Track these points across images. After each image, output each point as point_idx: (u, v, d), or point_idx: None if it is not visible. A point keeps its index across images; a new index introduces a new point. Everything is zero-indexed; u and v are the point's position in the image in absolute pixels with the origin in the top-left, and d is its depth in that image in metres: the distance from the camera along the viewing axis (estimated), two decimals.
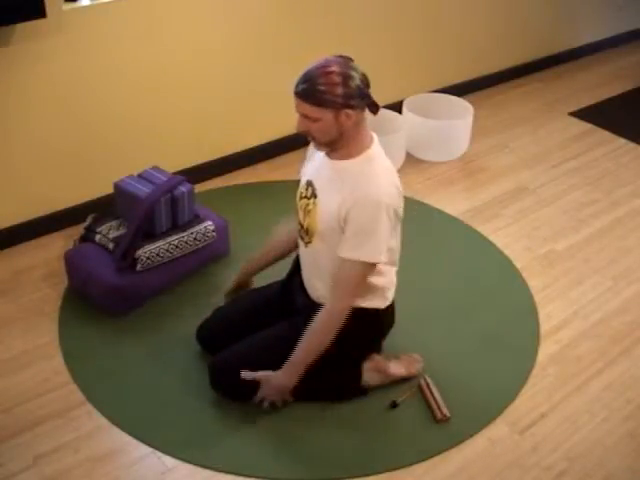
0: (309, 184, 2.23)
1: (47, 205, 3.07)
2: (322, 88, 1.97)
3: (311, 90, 1.98)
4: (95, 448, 2.19)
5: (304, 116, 2.03)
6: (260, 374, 2.25)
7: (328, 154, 2.17)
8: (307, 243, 2.27)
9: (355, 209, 2.06)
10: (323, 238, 2.19)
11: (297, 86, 2.01)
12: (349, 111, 2.01)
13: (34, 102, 2.84)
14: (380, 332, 2.39)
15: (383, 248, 2.11)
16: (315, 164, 2.27)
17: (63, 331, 2.60)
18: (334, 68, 1.98)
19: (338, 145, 2.10)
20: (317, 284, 2.30)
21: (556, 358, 2.58)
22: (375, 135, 2.18)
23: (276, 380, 2.25)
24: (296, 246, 2.40)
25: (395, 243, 2.23)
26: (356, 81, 1.99)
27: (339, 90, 1.98)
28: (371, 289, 2.25)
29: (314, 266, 2.29)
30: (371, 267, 2.14)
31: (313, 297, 2.34)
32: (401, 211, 2.17)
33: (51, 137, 2.94)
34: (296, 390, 2.29)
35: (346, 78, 1.98)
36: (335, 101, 1.98)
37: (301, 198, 2.27)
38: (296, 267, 2.45)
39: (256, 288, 2.58)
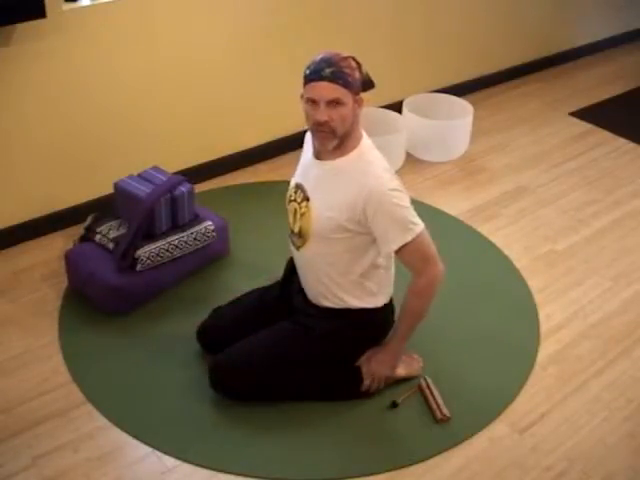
0: (298, 187, 2.23)
1: (47, 205, 3.07)
2: (347, 71, 2.03)
3: (339, 72, 2.01)
4: (95, 448, 2.19)
5: (330, 102, 2.02)
6: (361, 359, 2.34)
7: (322, 155, 2.16)
8: (299, 247, 2.26)
9: (373, 208, 2.07)
10: (319, 240, 2.18)
11: (321, 71, 2.01)
12: (360, 97, 2.07)
13: (34, 102, 2.84)
14: (379, 332, 2.39)
15: (414, 215, 2.14)
16: (302, 166, 2.26)
17: (63, 331, 2.60)
18: (348, 55, 2.06)
19: (344, 139, 2.10)
20: (314, 286, 2.30)
21: (556, 358, 2.58)
22: (364, 131, 2.20)
23: (383, 354, 2.31)
24: None
25: None
26: (365, 69, 2.08)
27: (357, 74, 2.06)
28: (366, 289, 2.25)
29: (308, 268, 2.29)
30: (424, 233, 2.16)
31: (310, 298, 2.34)
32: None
33: (51, 137, 2.94)
34: (299, 389, 2.31)
35: (359, 64, 2.07)
36: (355, 85, 2.05)
37: (290, 202, 2.27)
38: (292, 268, 2.44)
39: (257, 288, 2.57)
